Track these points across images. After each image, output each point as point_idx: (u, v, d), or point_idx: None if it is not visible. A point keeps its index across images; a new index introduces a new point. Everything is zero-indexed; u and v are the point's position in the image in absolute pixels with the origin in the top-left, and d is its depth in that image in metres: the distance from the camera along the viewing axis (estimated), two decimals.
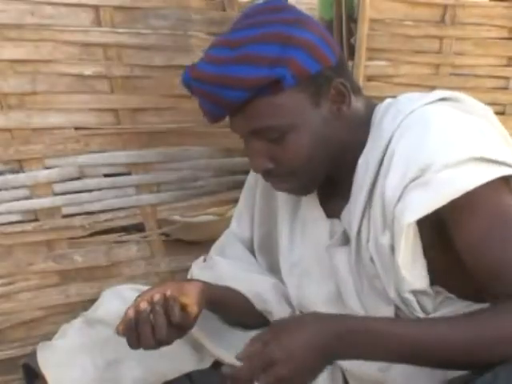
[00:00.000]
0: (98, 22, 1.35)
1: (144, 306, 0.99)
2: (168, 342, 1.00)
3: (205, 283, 1.11)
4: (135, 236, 1.48)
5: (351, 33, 1.49)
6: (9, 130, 1.32)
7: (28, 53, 1.30)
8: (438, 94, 1.05)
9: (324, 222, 1.13)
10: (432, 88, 1.46)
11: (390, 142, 0.99)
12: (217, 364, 1.13)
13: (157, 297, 1.00)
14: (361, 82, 1.44)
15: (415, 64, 1.47)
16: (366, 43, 1.41)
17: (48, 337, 1.22)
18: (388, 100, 1.07)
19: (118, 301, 1.18)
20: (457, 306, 0.98)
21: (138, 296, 1.03)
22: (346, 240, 1.07)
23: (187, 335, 1.06)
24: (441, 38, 1.45)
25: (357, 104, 1.06)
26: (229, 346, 1.12)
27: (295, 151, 1.03)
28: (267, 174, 1.08)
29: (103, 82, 1.38)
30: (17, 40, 1.29)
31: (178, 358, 1.13)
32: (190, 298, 1.03)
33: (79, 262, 1.42)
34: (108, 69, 1.37)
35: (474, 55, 1.47)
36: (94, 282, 1.43)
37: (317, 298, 1.13)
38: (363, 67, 1.43)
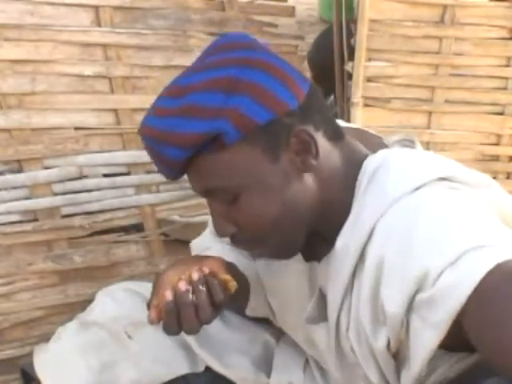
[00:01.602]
0: (97, 22, 1.35)
1: (183, 286, 0.90)
2: (209, 323, 0.92)
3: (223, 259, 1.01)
4: (134, 236, 1.48)
5: (351, 33, 1.48)
6: (8, 130, 1.32)
7: (28, 53, 1.30)
8: (436, 170, 0.89)
9: (303, 264, 1.02)
10: (431, 88, 1.48)
11: (372, 232, 0.86)
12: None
13: (195, 275, 0.91)
14: (360, 82, 1.44)
15: (415, 64, 1.47)
16: (366, 44, 1.41)
17: (47, 337, 1.22)
18: (377, 159, 0.91)
19: (111, 302, 1.18)
20: (444, 361, 0.89)
21: (165, 276, 0.94)
22: (323, 312, 0.97)
23: (182, 339, 1.05)
24: (440, 39, 1.45)
25: (334, 154, 0.91)
26: (215, 352, 1.11)
27: (254, 214, 0.88)
28: (232, 240, 0.94)
29: (103, 82, 1.38)
30: (16, 40, 1.29)
31: (172, 360, 1.12)
32: (227, 273, 0.94)
33: (78, 262, 1.42)
34: (108, 69, 1.37)
35: (473, 55, 1.47)
36: (94, 282, 1.43)
37: (297, 332, 1.08)
38: (363, 68, 1.43)
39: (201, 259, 0.98)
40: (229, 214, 0.90)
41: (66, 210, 1.39)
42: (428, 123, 1.51)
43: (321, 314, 0.98)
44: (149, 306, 0.93)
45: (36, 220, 1.37)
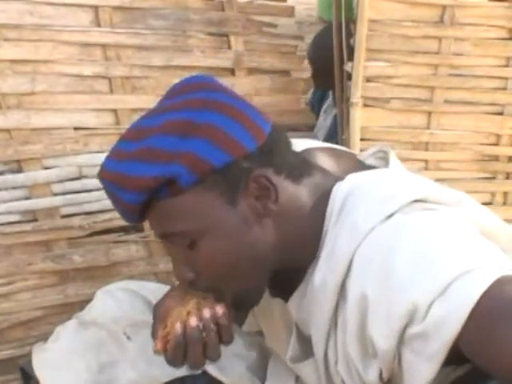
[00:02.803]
0: (97, 22, 1.35)
1: (194, 322, 0.89)
2: (216, 361, 0.92)
3: None
4: (134, 236, 1.48)
5: (350, 34, 1.48)
6: (8, 130, 1.32)
7: (27, 53, 1.30)
8: (408, 193, 0.86)
9: (273, 300, 1.01)
10: (431, 88, 1.48)
11: (350, 267, 0.83)
12: None
13: (207, 314, 0.90)
14: (360, 83, 1.44)
15: (414, 65, 1.47)
16: (365, 44, 1.41)
17: (46, 337, 1.22)
18: (345, 186, 0.88)
19: (111, 302, 1.18)
20: (440, 373, 0.83)
21: (173, 299, 0.94)
22: (307, 349, 0.95)
23: None
24: (440, 39, 1.45)
25: (298, 193, 0.89)
26: None
27: (212, 260, 0.86)
28: (191, 286, 0.92)
29: (102, 82, 1.38)
30: (16, 40, 1.29)
31: None
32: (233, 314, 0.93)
33: (78, 262, 1.42)
34: (107, 69, 1.37)
35: (472, 55, 1.47)
36: (93, 282, 1.43)
37: (283, 355, 1.06)
38: (362, 68, 1.43)
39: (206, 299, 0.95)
40: (187, 258, 0.88)
41: (65, 210, 1.39)
42: (427, 123, 1.51)
43: (304, 351, 0.96)
44: (153, 334, 0.93)
45: (35, 220, 1.37)
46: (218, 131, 0.82)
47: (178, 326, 0.89)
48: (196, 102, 0.84)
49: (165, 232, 0.88)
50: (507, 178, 1.59)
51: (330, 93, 2.37)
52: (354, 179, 0.89)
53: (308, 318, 0.92)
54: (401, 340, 0.77)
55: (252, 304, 0.95)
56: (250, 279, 0.90)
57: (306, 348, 0.96)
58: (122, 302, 1.16)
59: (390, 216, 0.83)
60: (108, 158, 0.88)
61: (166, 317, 0.93)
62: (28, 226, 1.36)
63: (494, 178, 1.59)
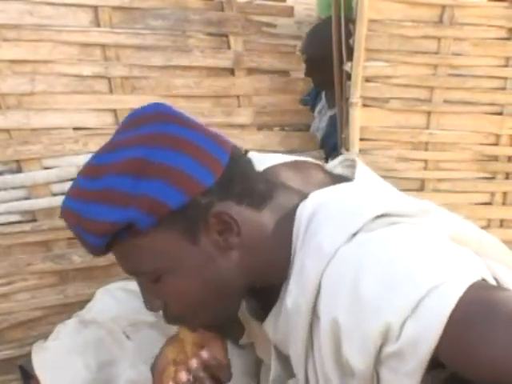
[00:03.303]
0: (96, 23, 1.35)
1: (184, 377, 0.90)
2: None
3: None
4: None
5: (350, 33, 1.48)
6: (7, 131, 1.32)
7: (26, 53, 1.30)
8: (371, 209, 0.85)
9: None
10: (430, 88, 1.48)
11: (319, 289, 0.82)
12: None
13: (193, 363, 0.91)
14: (359, 82, 1.44)
15: (413, 64, 1.46)
16: (365, 44, 1.41)
17: (46, 337, 1.23)
18: (309, 206, 0.87)
19: (111, 301, 1.18)
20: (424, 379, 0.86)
21: (164, 351, 0.96)
22: (288, 369, 0.95)
23: None
24: (439, 39, 1.45)
25: (261, 219, 0.88)
26: None
27: (179, 295, 0.87)
28: (164, 315, 0.93)
29: (102, 82, 1.38)
30: (15, 40, 1.29)
31: None
32: (221, 352, 0.95)
33: (77, 262, 1.42)
34: (107, 69, 1.37)
35: (472, 56, 1.47)
36: (93, 282, 1.43)
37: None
38: (362, 68, 1.43)
39: (200, 338, 0.96)
40: (155, 292, 0.89)
41: None
42: (427, 123, 1.51)
43: (286, 369, 0.95)
44: None
45: (35, 220, 1.37)
46: (173, 170, 0.80)
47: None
48: (150, 137, 0.82)
49: (128, 271, 0.89)
50: (507, 177, 1.59)
51: (324, 95, 2.37)
52: (317, 197, 0.89)
53: (285, 339, 0.92)
54: (377, 360, 0.77)
55: (226, 334, 0.97)
56: (220, 308, 0.90)
57: (287, 366, 0.95)
58: (122, 302, 1.16)
59: (355, 234, 0.82)
60: (68, 196, 0.88)
61: (160, 379, 0.94)
62: (27, 226, 1.36)
63: (493, 177, 1.59)
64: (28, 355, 1.19)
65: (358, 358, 0.78)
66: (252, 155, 0.98)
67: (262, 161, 0.97)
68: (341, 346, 0.80)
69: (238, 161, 0.87)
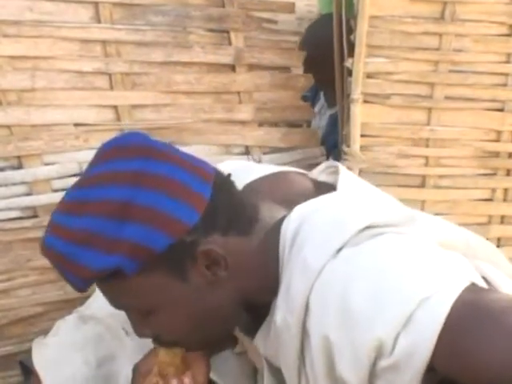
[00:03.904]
0: (97, 19, 1.35)
1: None
2: None
3: None
4: None
5: (351, 30, 1.48)
6: (8, 127, 1.32)
7: (27, 49, 1.30)
8: (356, 222, 0.84)
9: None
10: (431, 84, 1.47)
11: (308, 306, 0.82)
12: None
13: None
14: (360, 79, 1.44)
15: (415, 61, 1.46)
16: (366, 40, 1.41)
17: (47, 333, 1.22)
18: (293, 221, 0.86)
19: None
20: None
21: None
22: (279, 380, 0.95)
23: None
24: (440, 35, 1.44)
25: (249, 245, 0.87)
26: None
27: (170, 327, 0.88)
28: (155, 341, 0.94)
29: (102, 78, 1.38)
30: (16, 36, 1.29)
31: None
32: (204, 374, 0.96)
33: None
34: (107, 65, 1.37)
35: (473, 52, 1.47)
36: None
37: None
38: (363, 64, 1.43)
39: (185, 358, 0.95)
40: (145, 323, 0.89)
41: None
42: (428, 120, 1.51)
43: (280, 380, 0.95)
44: None
45: (36, 216, 1.37)
46: (157, 213, 0.79)
47: None
48: (132, 176, 0.80)
49: (116, 307, 0.89)
50: (508, 174, 1.59)
51: (322, 94, 2.36)
52: (301, 210, 0.88)
53: (276, 355, 0.92)
54: (372, 374, 0.77)
55: (221, 349, 0.98)
56: (216, 331, 0.91)
57: (280, 376, 0.94)
58: None
59: (340, 249, 0.82)
60: (49, 232, 0.86)
61: (139, 382, 0.95)
62: (28, 223, 1.36)
63: (494, 174, 1.58)
64: (28, 351, 1.19)
65: (352, 373, 0.78)
66: (236, 169, 0.97)
67: (247, 173, 0.98)
68: (334, 363, 0.80)
69: (222, 189, 0.86)
